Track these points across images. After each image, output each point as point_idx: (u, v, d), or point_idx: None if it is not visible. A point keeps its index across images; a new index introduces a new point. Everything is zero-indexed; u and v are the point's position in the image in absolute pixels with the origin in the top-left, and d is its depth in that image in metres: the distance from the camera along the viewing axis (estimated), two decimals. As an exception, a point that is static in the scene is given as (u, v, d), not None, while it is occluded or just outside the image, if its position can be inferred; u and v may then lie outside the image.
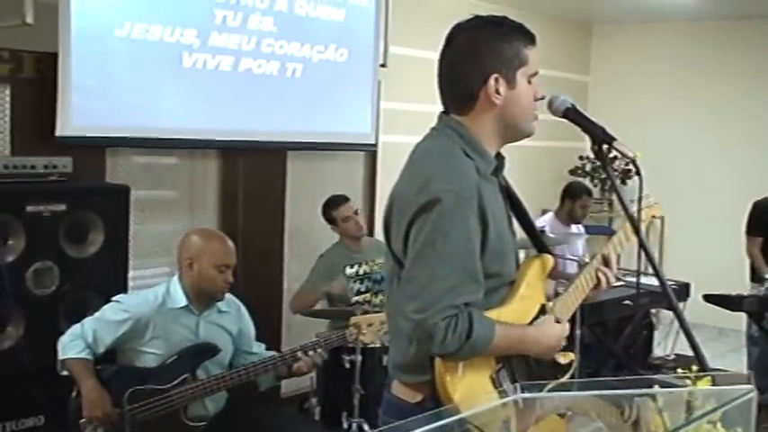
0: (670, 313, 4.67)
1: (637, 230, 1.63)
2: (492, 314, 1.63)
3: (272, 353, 2.95)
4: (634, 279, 4.78)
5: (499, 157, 1.73)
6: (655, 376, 1.60)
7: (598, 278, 1.83)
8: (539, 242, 1.83)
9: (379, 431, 1.22)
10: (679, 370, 1.34)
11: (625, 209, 1.66)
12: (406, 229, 1.58)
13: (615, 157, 6.42)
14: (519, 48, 1.65)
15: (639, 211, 1.67)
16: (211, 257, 2.80)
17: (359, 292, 3.89)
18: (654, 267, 1.58)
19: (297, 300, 3.94)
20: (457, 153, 1.62)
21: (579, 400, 1.59)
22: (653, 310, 5.03)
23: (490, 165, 1.67)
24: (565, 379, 1.74)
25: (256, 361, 2.81)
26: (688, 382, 1.30)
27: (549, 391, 1.49)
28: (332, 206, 4.01)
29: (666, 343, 4.83)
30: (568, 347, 1.82)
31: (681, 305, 4.46)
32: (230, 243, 2.90)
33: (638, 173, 1.63)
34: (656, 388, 1.27)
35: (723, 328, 5.92)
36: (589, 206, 4.95)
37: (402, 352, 1.67)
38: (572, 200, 4.84)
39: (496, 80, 1.63)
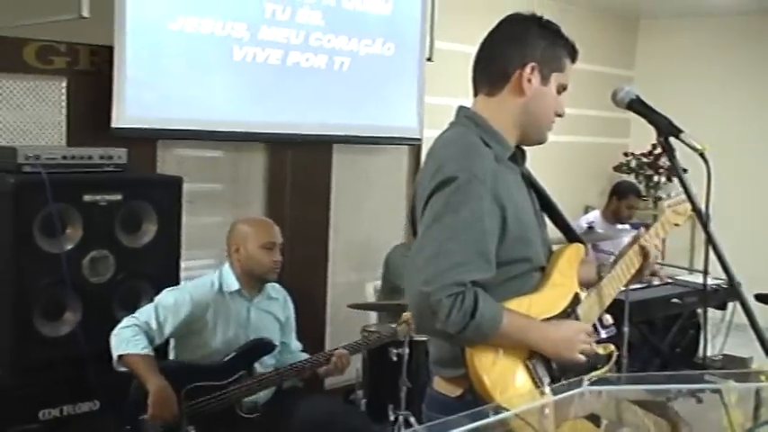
0: (718, 313, 4.62)
1: (705, 226, 1.60)
2: (524, 301, 1.63)
3: (305, 355, 2.97)
4: (682, 277, 4.74)
5: (518, 148, 1.74)
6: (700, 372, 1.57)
7: (643, 251, 1.80)
8: (568, 232, 1.83)
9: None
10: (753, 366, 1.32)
11: (692, 202, 1.64)
12: (422, 212, 1.59)
13: (660, 154, 6.24)
14: (562, 54, 1.71)
15: (708, 205, 1.64)
16: (256, 238, 2.86)
17: None
18: (722, 264, 1.55)
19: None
20: (473, 140, 1.63)
21: (623, 407, 1.57)
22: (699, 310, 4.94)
23: (507, 150, 1.68)
24: (603, 372, 1.70)
25: (310, 357, 2.83)
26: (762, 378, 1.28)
27: (591, 383, 1.47)
28: None
29: (714, 343, 4.73)
30: (613, 343, 1.78)
31: (730, 305, 4.45)
32: (275, 225, 2.97)
33: (706, 166, 1.60)
34: (731, 382, 1.25)
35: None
36: (636, 207, 4.86)
37: (440, 347, 1.68)
38: (619, 199, 4.77)
39: (533, 69, 1.66)
